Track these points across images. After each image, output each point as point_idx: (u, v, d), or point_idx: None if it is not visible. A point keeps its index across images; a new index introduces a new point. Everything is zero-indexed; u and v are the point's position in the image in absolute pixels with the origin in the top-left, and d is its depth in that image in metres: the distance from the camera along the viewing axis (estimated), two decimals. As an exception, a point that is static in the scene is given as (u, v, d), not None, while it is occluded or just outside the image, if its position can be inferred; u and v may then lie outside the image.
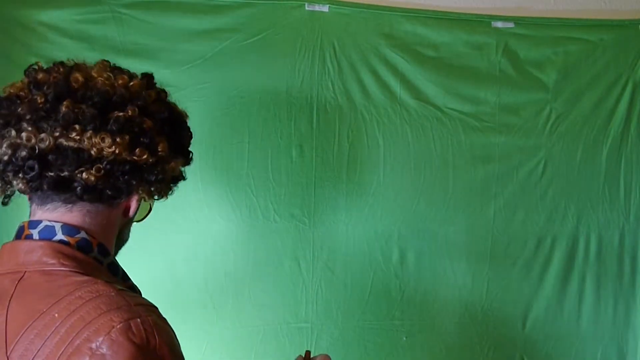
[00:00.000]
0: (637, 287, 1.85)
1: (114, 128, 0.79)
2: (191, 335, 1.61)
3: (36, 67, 0.85)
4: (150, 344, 0.70)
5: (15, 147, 0.78)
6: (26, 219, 0.84)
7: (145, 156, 0.82)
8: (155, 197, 0.92)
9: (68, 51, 1.43)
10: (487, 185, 1.74)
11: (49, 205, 0.82)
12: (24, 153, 0.78)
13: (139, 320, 0.71)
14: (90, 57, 0.91)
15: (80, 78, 0.81)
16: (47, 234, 0.80)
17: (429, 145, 1.70)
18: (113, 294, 0.73)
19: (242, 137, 1.60)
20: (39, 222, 0.81)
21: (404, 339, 1.73)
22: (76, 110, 0.78)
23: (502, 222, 1.75)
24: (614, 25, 1.75)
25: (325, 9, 1.60)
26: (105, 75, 0.83)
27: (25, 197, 0.86)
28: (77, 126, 0.78)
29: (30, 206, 0.84)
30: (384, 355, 1.72)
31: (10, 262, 0.79)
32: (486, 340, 1.78)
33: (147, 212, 1.00)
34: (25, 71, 0.85)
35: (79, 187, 0.79)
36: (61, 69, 0.83)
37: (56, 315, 0.70)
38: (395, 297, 1.71)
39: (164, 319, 0.77)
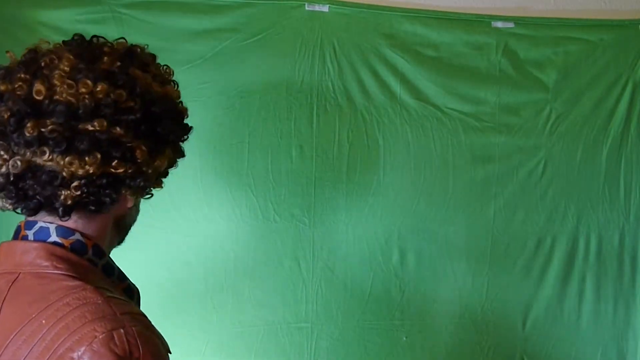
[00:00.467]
0: (637, 287, 1.85)
1: (83, 148, 0.75)
2: (191, 335, 1.61)
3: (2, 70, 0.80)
4: (133, 356, 0.69)
5: None
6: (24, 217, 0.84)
7: (122, 169, 0.78)
8: (147, 196, 0.90)
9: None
10: (487, 185, 1.73)
11: (42, 212, 0.81)
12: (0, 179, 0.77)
13: (122, 331, 0.69)
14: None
15: (43, 90, 0.75)
16: (42, 236, 0.79)
17: (429, 145, 1.69)
18: (100, 301, 0.72)
19: (242, 137, 1.60)
20: (35, 222, 0.80)
21: (404, 339, 1.73)
22: (42, 129, 0.74)
23: (502, 222, 1.75)
24: (614, 25, 1.75)
25: (325, 9, 1.60)
26: (67, 84, 0.76)
27: None
28: (45, 148, 0.75)
29: None
30: (384, 355, 1.72)
31: (7, 262, 0.79)
32: (486, 340, 1.78)
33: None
34: None
35: (60, 208, 0.78)
36: (22, 76, 0.77)
37: (44, 321, 0.70)
38: (395, 297, 1.71)
39: (152, 328, 0.76)
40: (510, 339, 1.80)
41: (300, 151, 1.63)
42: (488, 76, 1.71)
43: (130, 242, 0.95)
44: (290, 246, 1.65)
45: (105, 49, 0.83)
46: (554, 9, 1.77)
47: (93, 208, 0.80)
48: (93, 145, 0.76)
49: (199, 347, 1.62)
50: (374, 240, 1.69)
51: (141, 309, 0.87)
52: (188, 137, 0.92)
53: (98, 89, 0.76)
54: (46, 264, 0.76)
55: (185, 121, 0.91)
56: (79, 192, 0.77)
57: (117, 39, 0.87)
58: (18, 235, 0.81)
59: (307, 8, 1.59)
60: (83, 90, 0.76)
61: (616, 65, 1.75)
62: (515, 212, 1.75)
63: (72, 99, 0.75)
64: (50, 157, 0.75)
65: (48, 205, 0.78)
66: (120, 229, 0.90)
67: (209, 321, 1.62)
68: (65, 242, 0.79)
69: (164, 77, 0.89)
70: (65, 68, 0.77)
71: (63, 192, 0.76)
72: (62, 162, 0.75)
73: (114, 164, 0.78)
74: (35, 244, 0.78)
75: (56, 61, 0.78)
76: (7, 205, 0.80)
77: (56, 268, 0.76)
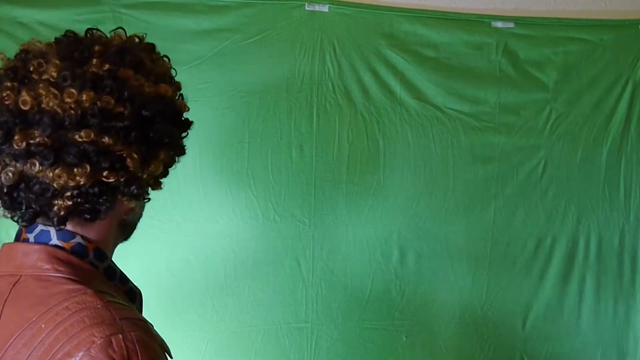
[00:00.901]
0: (637, 287, 1.85)
1: (70, 160, 0.73)
2: (191, 335, 1.61)
3: None
4: None
5: None
6: None
7: (113, 178, 0.76)
8: (145, 200, 0.89)
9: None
10: (487, 185, 1.73)
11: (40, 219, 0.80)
12: None
13: (120, 336, 0.69)
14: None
15: (29, 100, 0.74)
16: (43, 238, 0.79)
17: (429, 145, 1.70)
18: (99, 306, 0.72)
19: (242, 137, 1.60)
20: (35, 225, 0.80)
21: (404, 339, 1.73)
22: (30, 141, 0.73)
23: (502, 222, 1.75)
24: (614, 25, 1.75)
25: (325, 9, 1.60)
26: (52, 93, 0.73)
27: None
28: (34, 160, 0.73)
29: None
30: (384, 355, 1.72)
31: (9, 264, 0.79)
32: (486, 340, 1.78)
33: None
34: None
35: (55, 218, 0.77)
36: (10, 84, 0.75)
37: (43, 325, 0.70)
38: (395, 297, 1.71)
39: (152, 333, 0.75)
40: (510, 339, 1.80)
41: (300, 151, 1.63)
42: (488, 76, 1.71)
43: (130, 242, 0.95)
44: (290, 246, 1.65)
45: (96, 47, 0.79)
46: (553, 9, 1.77)
47: (88, 216, 0.79)
48: (81, 157, 0.74)
49: (199, 347, 1.62)
50: (374, 241, 1.69)
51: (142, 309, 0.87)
52: (188, 133, 0.89)
53: (84, 97, 0.74)
54: (47, 266, 0.76)
55: (186, 116, 0.88)
56: (71, 202, 0.76)
57: (114, 29, 0.85)
58: (19, 237, 0.81)
59: (307, 8, 1.59)
60: (68, 100, 0.73)
61: (616, 66, 1.76)
62: (515, 212, 1.75)
63: (58, 109, 0.73)
64: (40, 169, 0.74)
65: (43, 214, 0.77)
66: (126, 228, 0.89)
67: (209, 321, 1.62)
68: (66, 246, 0.79)
69: (159, 73, 0.84)
70: (53, 74, 0.75)
71: (56, 202, 0.76)
72: (51, 175, 0.74)
73: (104, 173, 0.76)
74: (37, 247, 0.78)
75: (43, 66, 0.76)
76: (7, 214, 0.80)
77: (57, 271, 0.76)
